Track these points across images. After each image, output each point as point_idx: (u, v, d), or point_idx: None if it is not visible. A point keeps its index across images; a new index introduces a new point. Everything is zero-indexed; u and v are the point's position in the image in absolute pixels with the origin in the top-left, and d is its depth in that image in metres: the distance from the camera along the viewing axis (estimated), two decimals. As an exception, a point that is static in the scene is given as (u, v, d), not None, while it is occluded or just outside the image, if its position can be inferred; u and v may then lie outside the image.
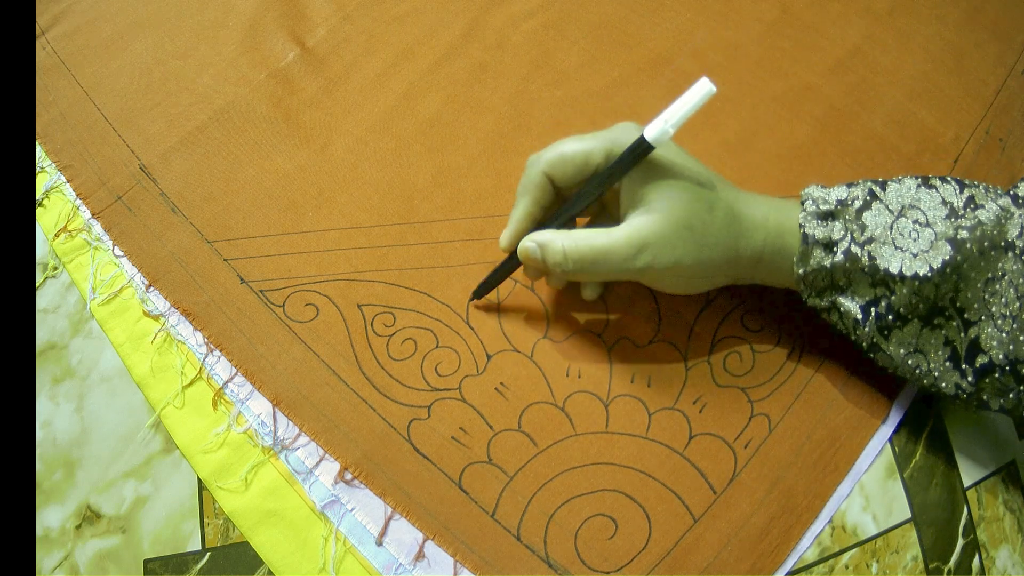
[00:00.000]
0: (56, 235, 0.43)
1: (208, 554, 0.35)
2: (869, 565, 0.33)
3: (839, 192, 0.30)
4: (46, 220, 0.43)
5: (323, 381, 0.37)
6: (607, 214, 0.34)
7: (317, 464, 0.35)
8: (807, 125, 0.44)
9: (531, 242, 0.32)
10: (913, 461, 0.35)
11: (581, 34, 0.48)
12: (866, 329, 0.30)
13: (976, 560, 0.33)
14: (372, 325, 0.38)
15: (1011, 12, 0.48)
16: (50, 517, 0.36)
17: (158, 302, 0.40)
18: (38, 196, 0.44)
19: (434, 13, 0.50)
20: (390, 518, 0.34)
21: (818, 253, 0.29)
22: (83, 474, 0.37)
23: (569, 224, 0.33)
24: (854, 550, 0.33)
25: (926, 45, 0.47)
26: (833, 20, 0.48)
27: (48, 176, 0.45)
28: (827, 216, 0.30)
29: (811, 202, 0.30)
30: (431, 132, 0.45)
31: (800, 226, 0.30)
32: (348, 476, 0.35)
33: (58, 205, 0.44)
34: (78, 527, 0.35)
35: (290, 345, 0.38)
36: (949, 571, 0.33)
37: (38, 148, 0.46)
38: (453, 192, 0.42)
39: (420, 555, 0.33)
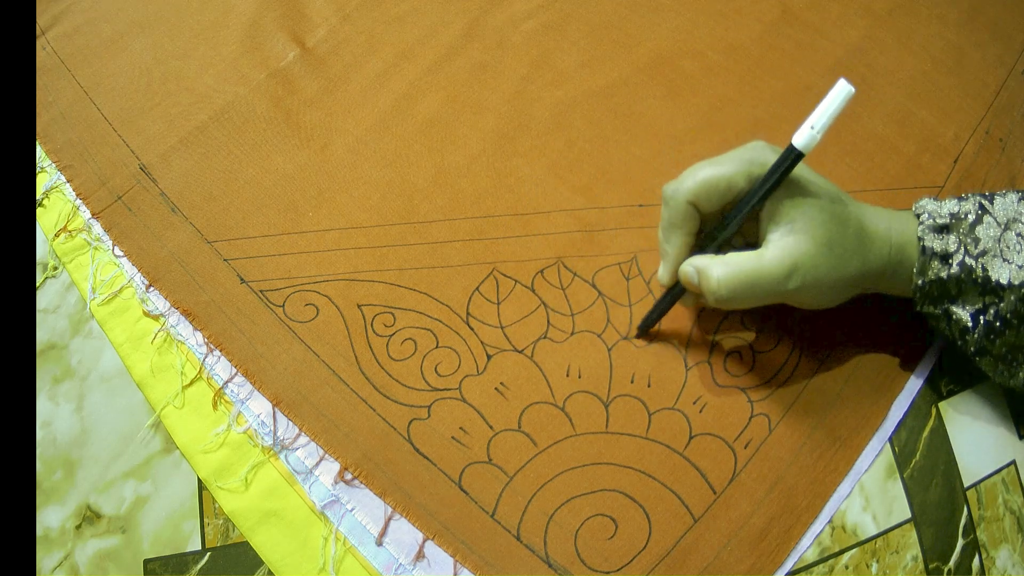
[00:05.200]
0: (56, 235, 0.43)
1: (208, 554, 0.35)
2: (869, 565, 0.33)
3: (950, 206, 0.31)
4: (46, 220, 0.43)
5: (323, 381, 0.37)
6: (740, 232, 0.34)
7: (317, 464, 0.35)
8: (807, 125, 0.44)
9: (690, 267, 0.32)
10: (913, 461, 0.35)
11: (581, 34, 0.48)
12: (975, 335, 0.31)
13: (976, 560, 0.33)
14: (372, 325, 0.38)
15: (1011, 12, 0.48)
16: (50, 517, 0.36)
17: (158, 302, 0.40)
18: (38, 196, 0.44)
19: (434, 13, 0.50)
20: (390, 518, 0.34)
21: (935, 265, 0.31)
22: (83, 474, 0.37)
23: (723, 248, 0.33)
24: (854, 550, 0.33)
25: (926, 45, 0.47)
26: (833, 20, 0.48)
27: (48, 176, 0.45)
28: (942, 229, 0.31)
29: (927, 215, 0.31)
30: (431, 132, 0.45)
31: (919, 239, 0.31)
32: (348, 476, 0.35)
33: (58, 205, 0.44)
34: (78, 527, 0.35)
35: (290, 345, 0.38)
36: (949, 571, 0.33)
37: (38, 148, 0.46)
38: (453, 192, 0.42)
39: (420, 555, 0.33)
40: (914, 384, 0.36)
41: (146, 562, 0.34)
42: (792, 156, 0.29)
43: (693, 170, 0.32)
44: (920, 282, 0.31)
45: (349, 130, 0.45)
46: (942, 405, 0.36)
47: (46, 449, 0.37)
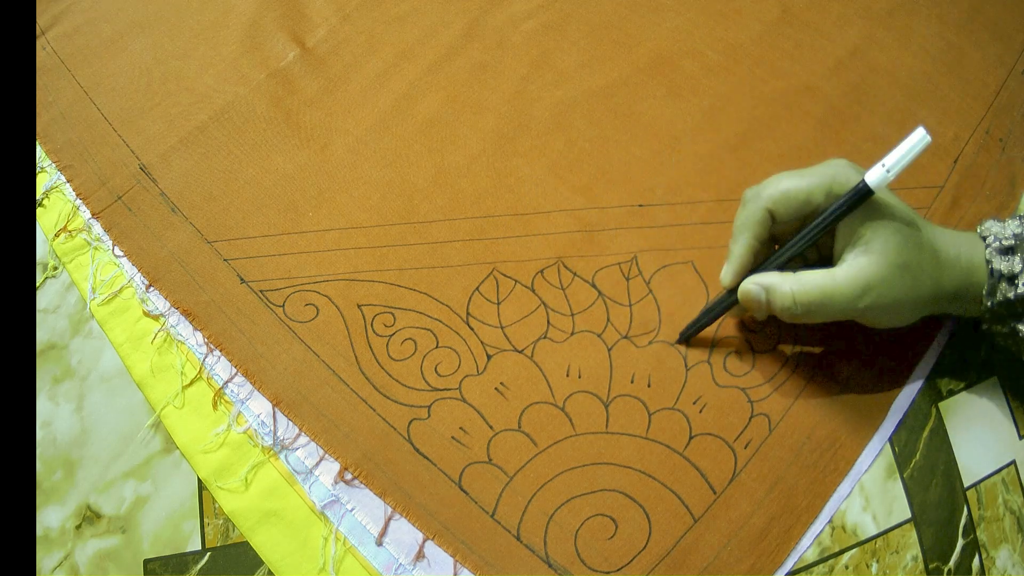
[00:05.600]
0: (56, 235, 0.43)
1: (208, 554, 0.35)
2: (869, 565, 0.33)
3: (1014, 226, 0.32)
4: (46, 220, 0.43)
5: (323, 381, 0.37)
6: (812, 250, 0.35)
7: (317, 464, 0.35)
8: (807, 125, 0.44)
9: (755, 285, 0.32)
10: (913, 461, 0.35)
11: (581, 34, 0.48)
12: None
13: (976, 560, 0.33)
14: (372, 325, 0.38)
15: (1011, 12, 0.48)
16: (50, 517, 0.36)
17: (158, 302, 0.40)
18: (38, 196, 0.44)
19: (434, 13, 0.50)
20: (390, 518, 0.34)
21: (1003, 286, 0.31)
22: (83, 474, 0.37)
23: (789, 265, 0.33)
24: (854, 550, 0.33)
25: (926, 45, 0.47)
26: (833, 20, 0.48)
27: (48, 176, 0.45)
28: (1008, 251, 0.31)
29: (993, 238, 0.32)
30: (431, 132, 0.45)
31: (987, 262, 0.31)
32: (348, 476, 0.35)
33: (58, 205, 0.44)
34: (78, 527, 0.35)
35: (290, 345, 0.38)
36: (949, 571, 0.33)
37: (38, 148, 0.46)
38: (453, 192, 0.42)
39: (420, 555, 0.33)
40: (914, 384, 0.36)
41: (146, 562, 0.34)
42: (862, 192, 0.30)
43: (776, 179, 0.33)
44: (990, 303, 0.32)
45: (349, 130, 0.45)
46: (942, 405, 0.36)
47: (46, 449, 0.37)
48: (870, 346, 0.36)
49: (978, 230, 0.33)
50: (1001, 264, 0.31)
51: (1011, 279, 0.31)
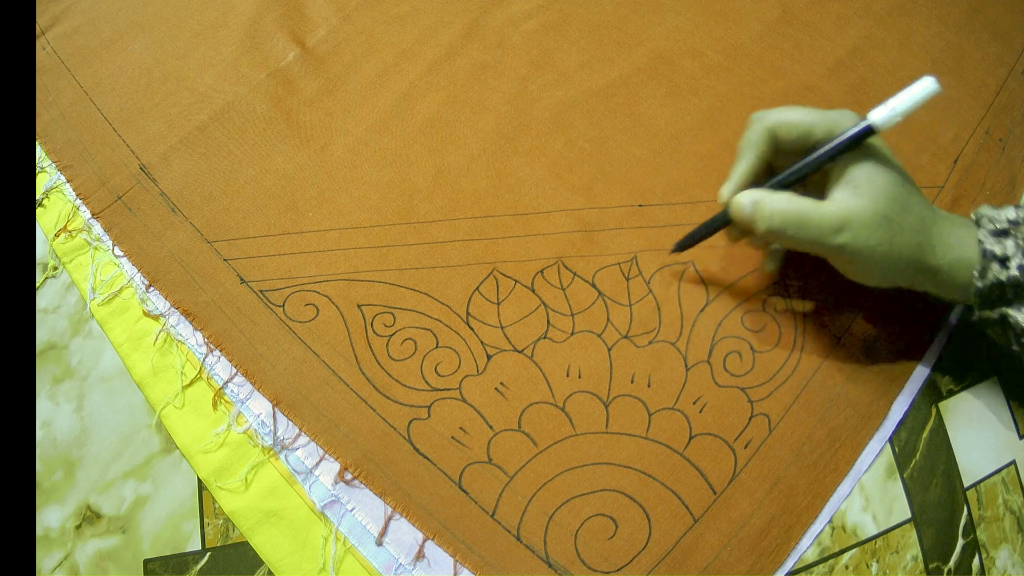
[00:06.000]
0: (56, 235, 0.43)
1: (208, 554, 0.35)
2: (869, 565, 0.33)
3: (1008, 212, 0.32)
4: (46, 220, 0.43)
5: (323, 381, 0.37)
6: (805, 187, 0.35)
7: (317, 464, 0.35)
8: (807, 125, 0.44)
9: (746, 197, 0.33)
10: (913, 461, 0.35)
11: (581, 34, 0.48)
12: None
13: (976, 560, 0.33)
14: (372, 325, 0.38)
15: (1011, 12, 0.48)
16: (50, 517, 0.36)
17: (158, 302, 0.40)
18: (38, 196, 0.44)
19: (434, 13, 0.50)
20: (390, 518, 0.34)
21: (995, 268, 0.31)
22: (83, 474, 0.37)
23: (781, 191, 0.34)
24: (854, 550, 0.33)
25: (926, 45, 0.47)
26: (833, 20, 0.48)
27: (48, 176, 0.45)
28: (1002, 234, 0.32)
29: (987, 220, 0.32)
30: (431, 132, 0.45)
31: (980, 242, 0.32)
32: (348, 476, 0.35)
33: (58, 205, 0.44)
34: (78, 527, 0.35)
35: (290, 345, 0.38)
36: (949, 571, 0.33)
37: (38, 148, 0.46)
38: (453, 192, 0.42)
39: (420, 555, 0.33)
40: (914, 384, 0.36)
41: (146, 562, 0.35)
42: (864, 127, 0.31)
43: (784, 107, 0.34)
44: (980, 284, 0.32)
45: (349, 130, 0.45)
46: (942, 405, 0.36)
47: (46, 449, 0.37)
48: (871, 346, 0.36)
49: (972, 214, 0.33)
50: (994, 246, 0.31)
51: (1003, 261, 0.31)
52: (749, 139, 0.34)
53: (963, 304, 0.33)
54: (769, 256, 0.37)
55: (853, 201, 0.31)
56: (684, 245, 0.37)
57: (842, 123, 0.32)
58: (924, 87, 0.30)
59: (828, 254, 0.33)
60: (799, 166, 0.33)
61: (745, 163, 0.34)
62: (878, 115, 0.31)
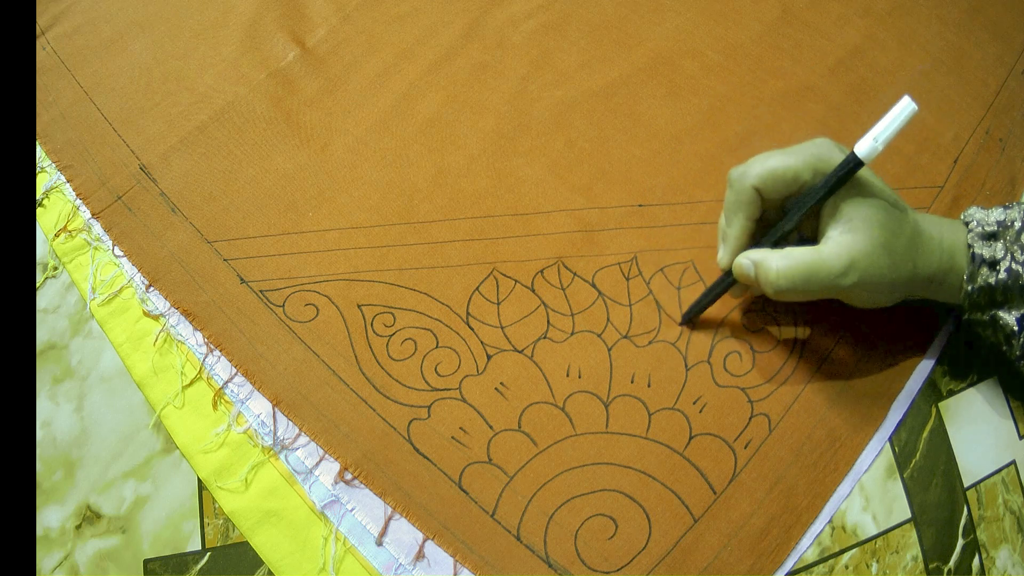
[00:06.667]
0: (56, 235, 0.43)
1: (208, 554, 0.35)
2: (869, 565, 0.33)
3: (997, 214, 0.32)
4: (46, 220, 0.43)
5: (323, 381, 0.37)
6: (797, 228, 0.35)
7: (317, 464, 0.35)
8: (807, 125, 0.44)
9: (746, 260, 0.33)
10: (913, 461, 0.35)
11: (581, 34, 0.48)
12: (1021, 340, 0.32)
13: (976, 560, 0.33)
14: (372, 325, 0.38)
15: (1011, 12, 0.48)
16: (50, 517, 0.36)
17: (158, 302, 0.40)
18: (38, 196, 0.44)
19: (434, 13, 0.50)
20: (390, 518, 0.34)
21: (984, 271, 0.31)
22: (83, 474, 0.37)
23: (781, 242, 0.33)
24: (854, 550, 0.33)
25: (926, 45, 0.47)
26: (833, 20, 0.48)
27: (48, 176, 0.45)
28: (990, 236, 0.32)
29: (976, 223, 0.32)
30: (431, 132, 0.45)
31: (969, 246, 0.32)
32: (348, 476, 0.35)
33: (58, 205, 0.44)
34: (78, 527, 0.35)
35: (290, 345, 0.38)
36: (949, 571, 0.33)
37: (38, 148, 0.46)
38: (453, 192, 0.42)
39: (420, 555, 0.33)
40: (914, 384, 0.36)
41: (146, 562, 0.34)
42: (852, 164, 0.30)
43: (761, 157, 0.33)
44: (970, 288, 0.32)
45: (349, 130, 0.45)
46: (942, 405, 0.36)
47: (46, 449, 0.37)
48: (871, 346, 0.37)
49: (961, 216, 0.33)
50: (983, 249, 0.31)
51: (992, 264, 0.31)
52: (736, 202, 0.33)
53: (958, 307, 0.33)
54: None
55: (851, 237, 0.31)
56: (690, 316, 0.37)
57: (824, 157, 0.31)
58: (903, 109, 0.29)
59: (838, 296, 0.32)
60: (794, 218, 0.32)
61: (737, 227, 0.34)
62: (862, 147, 0.30)
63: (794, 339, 0.37)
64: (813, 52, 0.47)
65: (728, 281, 0.35)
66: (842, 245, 0.31)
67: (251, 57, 0.48)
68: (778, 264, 0.31)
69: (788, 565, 0.32)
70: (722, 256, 0.35)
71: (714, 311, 0.38)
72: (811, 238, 0.33)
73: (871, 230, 0.30)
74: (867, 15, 0.48)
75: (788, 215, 0.33)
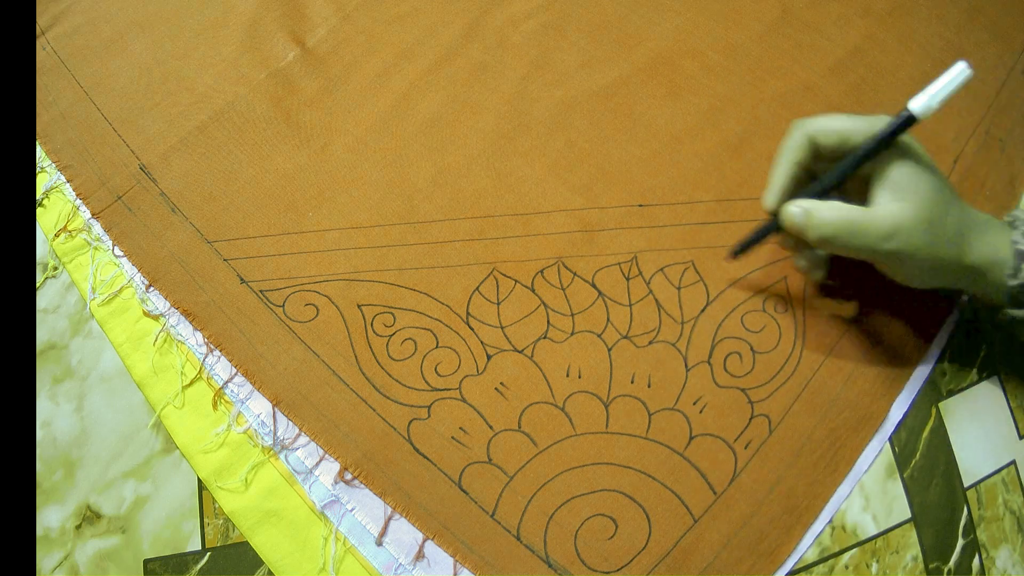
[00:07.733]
0: (56, 235, 0.43)
1: (208, 554, 0.35)
2: (869, 565, 0.33)
3: None
4: (46, 220, 0.43)
5: (323, 381, 0.37)
6: (843, 191, 0.36)
7: (317, 464, 0.35)
8: (807, 125, 0.44)
9: (797, 207, 0.33)
10: (913, 461, 0.35)
11: (581, 34, 0.48)
12: None
13: (976, 560, 0.33)
14: (372, 325, 0.38)
15: (1011, 12, 0.48)
16: (50, 517, 0.36)
17: (158, 302, 0.40)
18: (38, 196, 0.44)
19: (434, 13, 0.50)
20: (390, 518, 0.34)
21: None
22: (83, 474, 0.37)
23: (825, 195, 0.34)
24: (854, 550, 0.33)
25: (926, 45, 0.47)
26: (833, 20, 0.48)
27: (48, 176, 0.45)
28: None
29: (1022, 222, 0.33)
30: (431, 132, 0.45)
31: (1014, 242, 0.32)
32: (348, 476, 0.35)
33: (58, 205, 0.44)
34: (78, 527, 0.35)
35: (290, 345, 0.38)
36: (949, 571, 0.33)
37: (38, 148, 0.46)
38: (453, 192, 0.42)
39: (420, 555, 0.33)
40: (914, 384, 0.36)
41: (146, 562, 0.35)
42: (905, 118, 0.31)
43: (824, 114, 0.34)
44: (1012, 284, 0.32)
45: (349, 130, 0.45)
46: (942, 405, 0.36)
47: (46, 449, 0.37)
48: (871, 346, 0.36)
49: (1006, 216, 0.34)
50: None
51: None
52: (789, 146, 0.35)
53: (996, 305, 0.34)
54: (813, 264, 0.36)
55: (900, 206, 0.31)
56: (739, 252, 0.37)
57: (880, 125, 0.32)
58: (959, 73, 0.30)
59: (877, 260, 0.33)
60: (844, 165, 0.33)
61: (785, 169, 0.35)
62: (917, 104, 0.31)
63: (794, 340, 0.37)
64: (813, 52, 0.47)
65: (771, 225, 0.35)
66: (890, 211, 0.31)
67: (251, 57, 0.48)
68: (827, 213, 0.32)
69: (788, 565, 0.32)
70: (767, 198, 0.35)
71: (715, 309, 0.38)
72: (858, 204, 0.34)
73: (919, 201, 0.31)
74: (867, 15, 0.48)
75: (838, 166, 0.33)
